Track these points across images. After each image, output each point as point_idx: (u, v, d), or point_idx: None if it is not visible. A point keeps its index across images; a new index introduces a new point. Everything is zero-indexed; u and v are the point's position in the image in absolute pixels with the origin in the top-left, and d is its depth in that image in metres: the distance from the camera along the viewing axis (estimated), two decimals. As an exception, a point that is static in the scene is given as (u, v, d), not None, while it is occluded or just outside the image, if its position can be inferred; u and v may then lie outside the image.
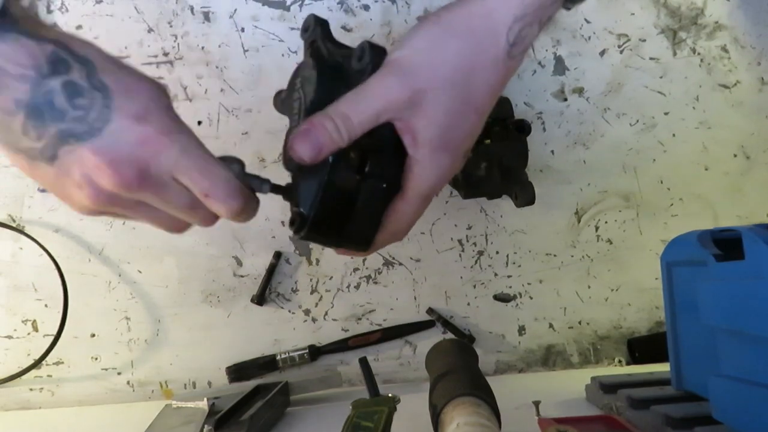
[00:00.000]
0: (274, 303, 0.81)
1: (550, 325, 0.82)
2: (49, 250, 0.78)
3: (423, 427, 0.51)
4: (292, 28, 0.81)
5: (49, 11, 0.80)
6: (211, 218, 0.44)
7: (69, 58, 0.37)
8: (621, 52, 0.84)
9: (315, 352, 0.79)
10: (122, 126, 0.38)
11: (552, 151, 0.83)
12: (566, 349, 0.82)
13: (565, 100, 0.83)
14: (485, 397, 0.49)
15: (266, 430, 0.64)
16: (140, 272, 0.80)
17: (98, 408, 0.78)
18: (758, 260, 0.44)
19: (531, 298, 0.82)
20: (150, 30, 0.80)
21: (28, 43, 0.36)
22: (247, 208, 0.43)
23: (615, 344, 0.82)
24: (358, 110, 0.42)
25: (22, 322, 0.79)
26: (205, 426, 0.58)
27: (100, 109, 0.37)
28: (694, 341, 0.56)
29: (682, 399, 0.57)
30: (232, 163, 0.43)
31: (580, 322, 0.83)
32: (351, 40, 0.48)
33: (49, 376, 0.79)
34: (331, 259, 0.81)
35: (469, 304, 0.82)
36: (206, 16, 0.81)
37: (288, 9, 0.81)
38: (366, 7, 0.81)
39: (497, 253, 0.82)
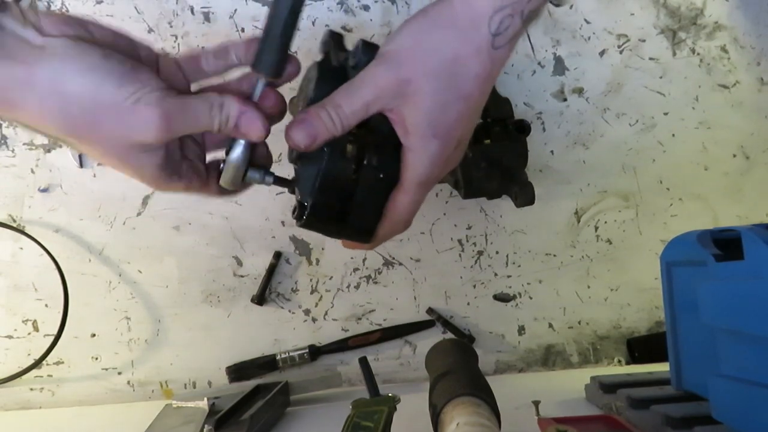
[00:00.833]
0: (274, 303, 0.81)
1: (550, 325, 0.83)
2: (50, 250, 0.78)
3: (423, 427, 0.51)
4: (292, 28, 0.81)
5: (49, 12, 0.80)
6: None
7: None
8: (621, 52, 0.84)
9: (315, 352, 0.79)
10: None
11: (552, 151, 0.83)
12: (566, 349, 0.82)
13: (565, 100, 0.83)
14: (485, 397, 0.49)
15: (266, 430, 0.64)
16: (140, 272, 0.80)
17: (98, 408, 0.78)
18: (758, 260, 0.44)
19: (531, 298, 0.82)
20: (150, 30, 0.80)
21: None
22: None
23: (615, 344, 0.83)
24: (349, 100, 0.44)
25: (23, 322, 0.79)
26: (205, 426, 0.58)
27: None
28: (694, 341, 0.56)
29: (682, 399, 0.57)
30: (237, 145, 0.45)
31: (579, 322, 0.83)
32: (351, 41, 0.48)
33: (49, 376, 0.79)
34: (331, 259, 0.81)
35: (469, 304, 0.82)
36: (206, 16, 0.81)
37: (288, 9, 0.81)
38: (366, 8, 0.82)
39: (497, 253, 0.82)
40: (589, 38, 0.84)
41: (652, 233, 0.83)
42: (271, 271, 0.80)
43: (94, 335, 0.80)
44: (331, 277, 0.81)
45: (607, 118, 0.84)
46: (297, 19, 0.42)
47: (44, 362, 0.78)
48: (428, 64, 0.44)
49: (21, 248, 0.79)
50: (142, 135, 0.39)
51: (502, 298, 0.82)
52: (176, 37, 0.80)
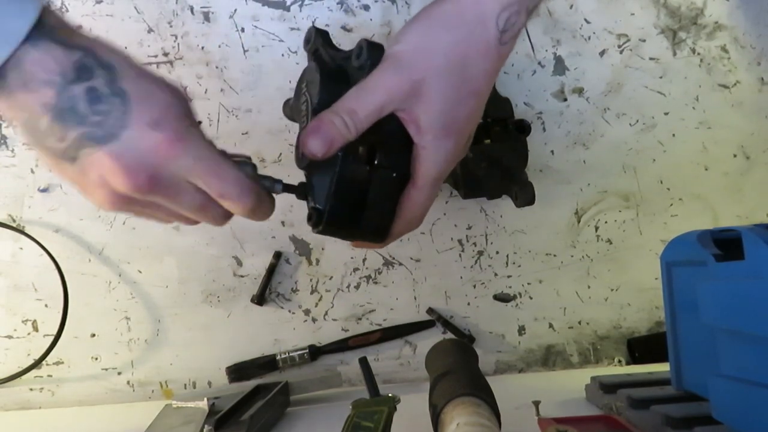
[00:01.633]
0: (274, 303, 0.81)
1: (550, 325, 0.83)
2: (49, 250, 0.78)
3: (423, 427, 0.51)
4: (292, 29, 0.81)
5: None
6: (222, 217, 0.45)
7: (94, 65, 0.39)
8: (621, 52, 0.84)
9: (315, 352, 0.79)
10: (138, 132, 0.39)
11: (552, 151, 0.83)
12: (566, 349, 0.82)
13: (565, 100, 0.83)
14: (485, 397, 0.49)
15: (266, 430, 0.64)
16: (140, 272, 0.80)
17: (98, 408, 0.78)
18: (758, 260, 0.44)
19: (531, 298, 0.82)
20: (150, 30, 0.80)
21: (58, 51, 0.38)
22: (262, 206, 0.45)
23: (615, 344, 0.82)
24: (362, 104, 0.45)
25: (22, 322, 0.79)
26: (205, 426, 0.58)
27: (119, 115, 0.39)
28: (694, 341, 0.56)
29: (682, 399, 0.57)
30: (244, 165, 0.45)
31: (579, 322, 0.83)
32: (351, 40, 0.49)
33: (49, 376, 0.79)
34: (331, 259, 0.81)
35: (469, 304, 0.82)
36: (206, 16, 0.81)
37: (288, 9, 0.81)
38: (366, 7, 0.82)
39: (497, 253, 0.82)
40: (589, 38, 0.84)
41: (652, 233, 0.83)
42: (271, 271, 0.80)
43: (94, 335, 0.80)
44: (331, 277, 0.81)
45: (607, 118, 0.84)
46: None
47: (44, 362, 0.78)
48: (439, 64, 0.45)
49: (21, 248, 0.79)
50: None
51: (502, 298, 0.82)
52: (176, 37, 0.80)
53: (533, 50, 0.83)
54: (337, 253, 0.81)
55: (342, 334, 0.81)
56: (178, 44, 0.80)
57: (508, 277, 0.82)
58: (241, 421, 0.60)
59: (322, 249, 0.81)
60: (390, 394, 0.52)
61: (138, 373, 0.80)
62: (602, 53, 0.84)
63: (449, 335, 0.81)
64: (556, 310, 0.83)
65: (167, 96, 0.41)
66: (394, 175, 0.48)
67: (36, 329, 0.79)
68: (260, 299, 0.80)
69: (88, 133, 0.38)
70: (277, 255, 0.80)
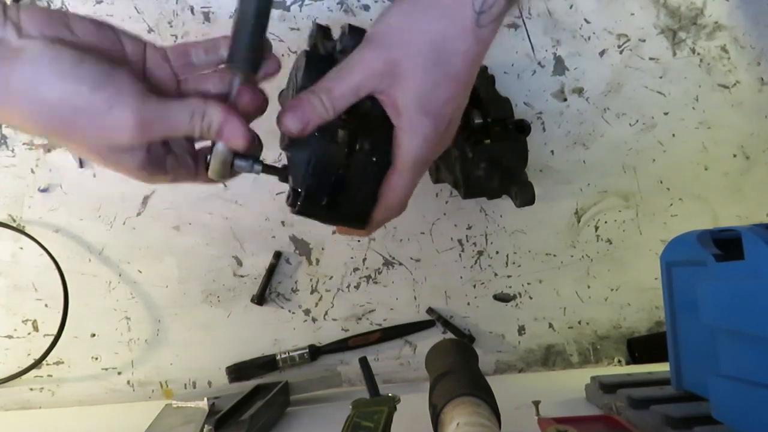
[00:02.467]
0: (274, 303, 0.81)
1: (550, 325, 0.83)
2: (50, 250, 0.78)
3: (423, 427, 0.51)
4: (292, 29, 0.81)
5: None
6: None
7: None
8: (621, 52, 0.84)
9: (315, 352, 0.79)
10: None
11: (552, 151, 0.83)
12: (566, 349, 0.82)
13: (565, 100, 0.83)
14: (485, 397, 0.49)
15: (266, 430, 0.64)
16: (140, 272, 0.80)
17: (98, 408, 0.78)
18: (758, 260, 0.44)
19: (531, 298, 0.82)
20: (150, 30, 0.80)
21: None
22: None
23: (615, 344, 0.83)
24: (338, 83, 0.45)
25: (23, 322, 0.79)
26: (205, 426, 0.58)
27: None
28: (694, 341, 0.56)
29: (682, 399, 0.57)
30: (217, 161, 0.44)
31: (579, 322, 0.83)
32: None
33: (49, 376, 0.79)
34: (331, 259, 0.81)
35: (469, 304, 0.82)
36: (206, 16, 0.81)
37: (288, 9, 0.81)
38: (366, 7, 0.82)
39: (497, 253, 0.82)
40: (589, 38, 0.84)
41: (652, 233, 0.83)
42: (271, 271, 0.80)
43: (94, 335, 0.80)
44: (331, 277, 0.81)
45: (607, 118, 0.84)
46: (268, 12, 0.42)
47: (44, 362, 0.78)
48: (415, 45, 0.44)
49: (21, 248, 0.79)
50: (117, 138, 0.40)
51: (502, 298, 0.82)
52: (176, 37, 0.80)
53: (533, 50, 0.83)
54: (337, 253, 0.81)
55: (342, 334, 0.81)
56: (178, 44, 0.80)
57: (508, 277, 0.82)
58: (241, 421, 0.60)
59: (322, 249, 0.81)
60: (390, 394, 0.52)
61: (138, 373, 0.80)
62: (602, 53, 0.84)
63: (449, 335, 0.81)
64: (556, 310, 0.83)
65: (117, 163, 0.42)
66: (374, 159, 0.48)
67: (36, 329, 0.79)
68: (260, 299, 0.80)
69: None
70: (277, 255, 0.80)
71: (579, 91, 0.84)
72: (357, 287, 0.81)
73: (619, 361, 0.82)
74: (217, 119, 0.42)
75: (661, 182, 0.84)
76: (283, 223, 0.81)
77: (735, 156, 0.85)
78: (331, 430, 0.50)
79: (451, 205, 0.82)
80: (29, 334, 0.79)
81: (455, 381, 0.52)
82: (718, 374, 0.48)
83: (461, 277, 0.82)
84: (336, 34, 0.50)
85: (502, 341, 0.82)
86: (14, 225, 0.79)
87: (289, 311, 0.81)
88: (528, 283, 0.83)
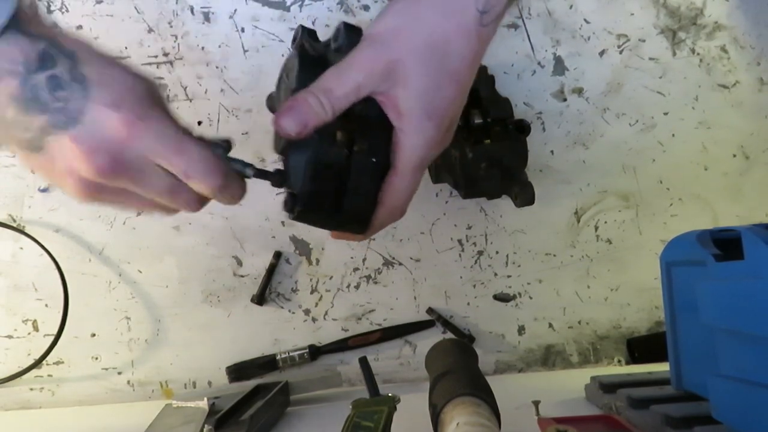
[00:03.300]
0: (274, 303, 0.81)
1: (550, 325, 0.83)
2: (50, 250, 0.78)
3: (423, 427, 0.51)
4: (292, 29, 0.81)
5: (50, 11, 0.80)
6: (194, 202, 0.44)
7: (56, 54, 0.39)
8: (620, 52, 0.84)
9: (315, 352, 0.79)
10: (98, 114, 0.39)
11: (552, 151, 0.83)
12: (566, 349, 0.83)
13: (565, 100, 0.83)
14: (485, 396, 0.49)
15: (266, 430, 0.64)
16: (140, 272, 0.80)
17: (98, 408, 0.78)
18: (758, 260, 0.44)
19: (531, 298, 0.83)
20: (150, 30, 0.80)
21: (23, 42, 0.38)
22: (231, 186, 0.44)
23: (614, 344, 0.83)
24: (338, 83, 0.44)
25: (23, 322, 0.79)
26: (205, 426, 0.58)
27: (79, 99, 0.39)
28: (694, 341, 0.56)
29: (682, 399, 0.57)
30: (215, 146, 0.44)
31: (579, 322, 0.83)
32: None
33: (49, 375, 0.79)
34: (331, 259, 0.81)
35: (468, 303, 0.82)
36: (206, 17, 0.81)
37: (288, 9, 0.81)
38: (366, 8, 0.82)
39: (497, 253, 0.82)
40: (589, 38, 0.84)
41: (652, 233, 0.83)
42: (271, 271, 0.80)
43: (94, 335, 0.80)
44: (331, 277, 0.81)
45: (607, 118, 0.84)
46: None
47: (44, 362, 0.78)
48: (417, 45, 0.44)
49: (21, 248, 0.79)
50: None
51: (502, 298, 0.82)
52: (176, 37, 0.80)
53: (533, 50, 0.83)
54: (337, 253, 0.81)
55: (342, 334, 0.81)
56: (178, 44, 0.80)
57: (508, 277, 0.82)
58: (241, 421, 0.60)
59: (322, 249, 0.81)
60: (390, 394, 0.52)
61: (138, 373, 0.80)
62: (602, 53, 0.84)
63: (449, 335, 0.81)
64: (555, 310, 0.83)
65: (129, 78, 0.41)
66: (374, 160, 0.46)
67: (36, 329, 0.79)
68: (260, 299, 0.80)
69: (50, 120, 0.38)
70: (277, 255, 0.80)
71: (579, 91, 0.84)
72: (357, 287, 0.81)
73: (619, 361, 0.82)
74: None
75: (661, 182, 0.84)
76: (283, 223, 0.81)
77: (735, 156, 0.85)
78: (331, 430, 0.50)
79: (451, 205, 0.82)
80: (29, 334, 0.79)
81: (455, 381, 0.52)
82: (717, 374, 0.48)
83: (461, 277, 0.82)
84: (322, 36, 0.49)
85: (502, 341, 0.82)
86: (14, 225, 0.79)
87: (289, 311, 0.81)
88: (528, 283, 0.83)
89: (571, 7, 0.83)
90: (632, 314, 0.83)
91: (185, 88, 0.80)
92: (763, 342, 0.43)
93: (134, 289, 0.80)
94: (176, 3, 0.80)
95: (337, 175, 0.46)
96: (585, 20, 0.83)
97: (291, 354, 0.79)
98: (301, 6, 0.81)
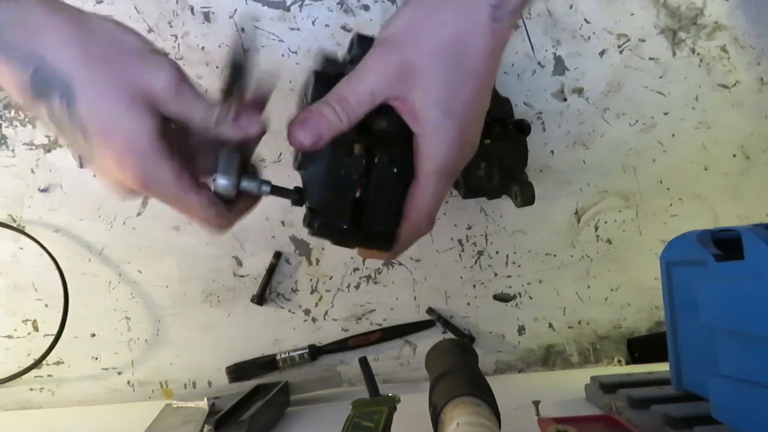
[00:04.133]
0: (274, 303, 0.81)
1: (550, 325, 0.83)
2: (50, 250, 0.78)
3: (423, 427, 0.51)
4: (292, 29, 0.81)
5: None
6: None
7: (51, 81, 0.38)
8: (621, 52, 0.84)
9: (315, 352, 0.79)
10: (105, 165, 0.41)
11: (552, 151, 0.83)
12: (566, 349, 0.83)
13: (565, 100, 0.83)
14: (485, 397, 0.49)
15: (266, 430, 0.64)
16: (140, 272, 0.80)
17: (98, 408, 0.78)
18: (758, 260, 0.44)
19: (531, 298, 0.82)
20: (150, 30, 0.80)
21: (12, 65, 0.38)
22: (226, 226, 0.46)
23: (615, 344, 0.83)
24: (351, 90, 0.43)
25: (23, 322, 0.79)
26: (205, 426, 0.58)
27: (85, 146, 0.40)
28: (694, 341, 0.56)
29: (682, 399, 0.57)
30: (227, 164, 0.43)
31: (579, 322, 0.83)
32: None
33: (49, 376, 0.79)
34: (331, 259, 0.81)
35: (469, 304, 0.82)
36: (206, 16, 0.81)
37: (288, 9, 0.81)
38: (366, 7, 0.82)
39: (497, 253, 0.82)
40: (589, 38, 0.84)
41: (652, 233, 0.83)
42: (271, 271, 0.80)
43: (94, 335, 0.80)
44: (331, 277, 0.81)
45: (607, 118, 0.84)
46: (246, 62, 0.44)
47: (44, 362, 0.78)
48: (430, 44, 0.42)
49: (21, 248, 0.79)
50: (152, 81, 0.40)
51: (502, 298, 0.82)
52: (176, 37, 0.80)
53: (533, 50, 0.83)
54: (337, 253, 0.81)
55: (342, 334, 0.81)
56: (178, 44, 0.80)
57: (508, 277, 0.82)
58: (241, 421, 0.60)
59: (322, 249, 0.81)
60: (390, 394, 0.52)
61: (138, 373, 0.80)
62: (602, 53, 0.84)
63: (449, 335, 0.81)
64: (556, 310, 0.83)
65: (130, 123, 0.40)
66: (396, 170, 0.44)
67: (36, 329, 0.79)
68: (260, 299, 0.80)
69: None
70: (277, 255, 0.80)
71: (579, 91, 0.84)
72: (357, 287, 0.81)
73: (619, 361, 0.82)
74: (234, 108, 0.42)
75: (661, 182, 0.84)
76: (283, 223, 0.81)
77: (735, 156, 0.85)
78: (331, 430, 0.50)
79: (451, 205, 0.82)
80: (29, 334, 0.79)
81: (455, 381, 0.52)
82: (718, 374, 0.48)
83: (461, 277, 0.82)
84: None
85: (502, 341, 0.82)
86: (14, 225, 0.79)
87: (289, 311, 0.81)
88: (528, 283, 0.83)
89: (571, 7, 0.83)
90: (632, 314, 0.83)
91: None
92: (763, 342, 0.43)
93: (134, 289, 0.80)
94: (176, 3, 0.80)
95: (356, 188, 0.44)
96: (585, 20, 0.83)
97: (291, 354, 0.79)
98: (301, 6, 0.81)
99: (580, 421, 0.55)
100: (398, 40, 0.43)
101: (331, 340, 0.80)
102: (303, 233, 0.81)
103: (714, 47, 0.85)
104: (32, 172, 0.80)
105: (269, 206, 0.80)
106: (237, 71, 0.43)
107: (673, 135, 0.84)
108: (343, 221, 0.45)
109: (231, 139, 0.43)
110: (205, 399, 0.64)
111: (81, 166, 0.80)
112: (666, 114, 0.84)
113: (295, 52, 0.81)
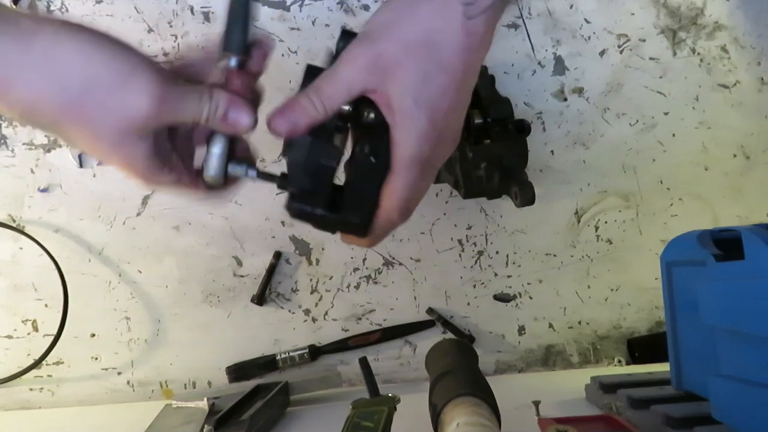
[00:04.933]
0: (274, 303, 0.81)
1: (550, 325, 0.83)
2: (49, 250, 0.78)
3: (423, 427, 0.51)
4: (292, 28, 0.81)
5: (49, 11, 0.80)
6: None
7: (42, 121, 0.40)
8: (621, 52, 0.84)
9: (315, 352, 0.79)
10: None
11: (552, 151, 0.83)
12: (566, 349, 0.82)
13: (565, 100, 0.83)
14: (485, 397, 0.49)
15: (266, 430, 0.64)
16: (140, 272, 0.80)
17: (98, 408, 0.78)
18: (758, 260, 0.44)
19: (531, 298, 0.82)
20: (150, 30, 0.80)
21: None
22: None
23: (615, 344, 0.82)
24: (329, 81, 0.44)
25: (22, 322, 0.79)
26: (205, 426, 0.58)
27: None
28: (694, 341, 0.56)
29: (682, 399, 0.57)
30: (212, 166, 0.45)
31: (579, 322, 0.83)
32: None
33: (49, 376, 0.79)
34: (331, 259, 0.81)
35: (469, 304, 0.82)
36: (206, 16, 0.81)
37: (288, 9, 0.81)
38: (366, 7, 0.82)
39: (497, 253, 0.82)
40: (589, 38, 0.84)
41: (652, 233, 0.83)
42: (271, 271, 0.80)
43: (94, 335, 0.80)
44: (331, 277, 0.81)
45: (607, 118, 0.84)
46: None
47: (44, 362, 0.78)
48: (404, 37, 0.44)
49: (21, 248, 0.79)
50: (133, 111, 0.39)
51: (502, 298, 0.82)
52: (176, 37, 0.80)
53: (533, 50, 0.83)
54: (337, 253, 0.81)
55: (342, 334, 0.81)
56: (178, 44, 0.80)
57: (508, 277, 0.82)
58: (241, 421, 0.60)
59: (322, 249, 0.81)
60: (390, 394, 0.52)
61: (138, 373, 0.80)
62: (602, 53, 0.84)
63: (449, 335, 0.81)
64: (556, 310, 0.83)
65: (124, 153, 0.42)
66: (374, 160, 0.46)
67: (36, 329, 0.79)
68: (260, 299, 0.80)
69: None
70: (277, 255, 0.80)
71: (579, 91, 0.84)
72: (357, 287, 0.81)
73: (619, 361, 0.82)
74: (223, 102, 0.43)
75: (661, 182, 0.84)
76: (283, 223, 0.81)
77: (735, 156, 0.85)
78: (331, 430, 0.50)
79: (451, 205, 0.82)
80: (29, 334, 0.79)
81: (455, 381, 0.52)
82: (718, 374, 0.48)
83: (461, 277, 0.82)
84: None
85: (502, 341, 0.82)
86: (14, 225, 0.79)
87: (289, 311, 0.81)
88: (528, 283, 0.83)
89: (571, 6, 0.83)
90: (632, 314, 0.83)
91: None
92: (763, 342, 0.43)
93: (134, 289, 0.80)
94: (176, 3, 0.80)
95: (333, 175, 0.46)
96: (585, 20, 0.83)
97: (291, 354, 0.79)
98: (301, 6, 0.81)
99: (580, 421, 0.55)
100: (376, 34, 0.45)
101: (331, 340, 0.80)
102: (303, 233, 0.81)
103: (714, 47, 0.85)
104: (32, 172, 0.80)
105: (269, 206, 0.80)
106: (238, 10, 0.45)
107: (674, 135, 0.84)
108: (319, 206, 0.47)
109: (222, 133, 0.45)
110: (205, 399, 0.64)
111: (81, 166, 0.80)
112: (666, 114, 0.84)
113: (295, 52, 0.81)
